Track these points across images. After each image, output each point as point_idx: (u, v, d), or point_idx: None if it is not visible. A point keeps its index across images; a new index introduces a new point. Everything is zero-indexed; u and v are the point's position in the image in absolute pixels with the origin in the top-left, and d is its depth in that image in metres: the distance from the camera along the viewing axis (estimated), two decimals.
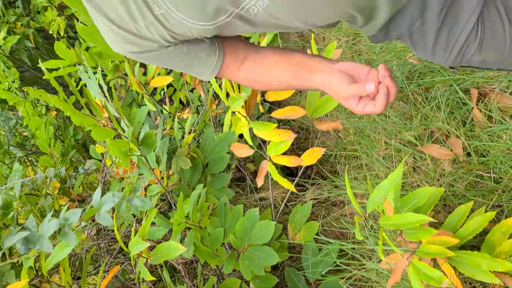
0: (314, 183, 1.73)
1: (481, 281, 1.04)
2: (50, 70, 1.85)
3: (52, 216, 0.88)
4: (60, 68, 1.82)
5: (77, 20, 2.06)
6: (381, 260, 1.18)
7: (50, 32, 2.98)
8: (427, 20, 0.77)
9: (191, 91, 2.78)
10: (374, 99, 0.75)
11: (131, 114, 2.50)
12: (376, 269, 1.20)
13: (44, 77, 2.03)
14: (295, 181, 1.45)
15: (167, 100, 2.55)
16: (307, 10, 0.73)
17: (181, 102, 2.81)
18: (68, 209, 0.92)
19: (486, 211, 1.06)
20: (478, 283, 1.09)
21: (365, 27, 0.83)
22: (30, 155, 3.76)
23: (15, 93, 2.94)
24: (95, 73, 2.00)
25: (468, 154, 1.20)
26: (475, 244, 1.08)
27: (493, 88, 1.16)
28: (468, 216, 1.06)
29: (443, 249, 0.95)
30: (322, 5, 0.73)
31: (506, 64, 0.82)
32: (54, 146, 2.72)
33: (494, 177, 1.12)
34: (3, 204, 1.72)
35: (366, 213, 0.98)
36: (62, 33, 3.00)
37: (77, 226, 1.08)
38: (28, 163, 3.69)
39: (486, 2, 0.77)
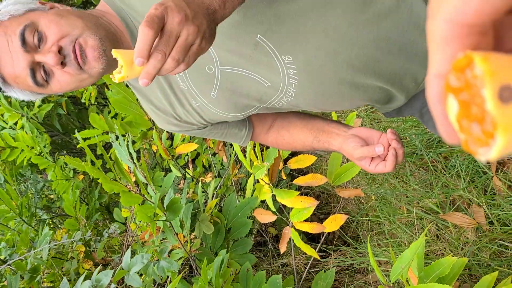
0: (337, 250, 1.72)
1: None
2: (84, 139, 1.96)
3: (84, 279, 0.92)
4: (93, 136, 1.93)
5: (107, 88, 2.20)
6: None
7: (82, 100, 3.15)
8: None
9: (213, 155, 2.86)
10: (385, 160, 0.81)
11: (155, 177, 2.59)
12: None
13: (78, 146, 2.14)
14: (317, 247, 1.46)
15: (190, 164, 2.63)
16: (326, 104, 0.82)
17: (203, 165, 2.89)
18: (99, 271, 0.95)
19: None
20: None
21: (380, 107, 0.91)
22: (55, 217, 3.84)
23: (46, 158, 3.07)
24: (124, 140, 2.11)
25: (491, 223, 1.21)
26: None
27: (510, 158, 1.19)
28: (493, 287, 1.05)
29: None
30: (339, 100, 0.82)
31: None
32: (80, 209, 2.80)
33: None
34: (31, 268, 1.76)
35: (390, 282, 0.99)
36: (93, 101, 3.18)
37: None
38: (52, 225, 3.76)
39: None
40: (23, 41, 0.69)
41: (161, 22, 0.51)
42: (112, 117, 2.54)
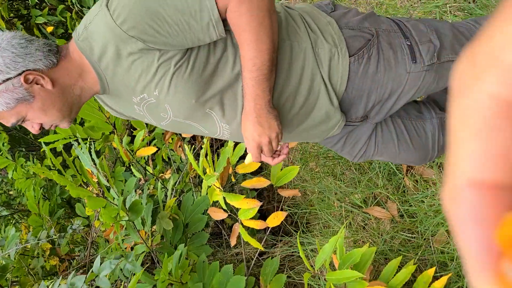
0: (282, 240, 1.96)
1: None
2: (47, 143, 2.08)
3: (60, 282, 1.08)
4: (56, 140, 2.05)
5: None
6: None
7: None
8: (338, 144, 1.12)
9: (172, 150, 3.02)
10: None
11: (116, 172, 2.72)
12: None
13: (41, 150, 2.24)
14: (264, 239, 1.68)
15: (150, 161, 2.78)
16: None
17: (163, 160, 3.05)
18: (75, 274, 1.12)
19: (415, 263, 1.31)
20: None
21: None
22: (15, 213, 3.88)
23: (6, 157, 3.13)
24: (86, 143, 2.24)
25: (402, 216, 1.47)
26: None
27: None
28: (399, 269, 1.31)
29: None
30: None
31: (398, 161, 1.17)
32: (43, 206, 2.89)
33: (422, 235, 1.38)
34: (0, 267, 1.89)
35: (315, 269, 1.22)
36: None
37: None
38: (13, 221, 3.81)
39: (382, 121, 1.11)
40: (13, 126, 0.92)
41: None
42: None
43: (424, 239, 1.35)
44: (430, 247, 1.32)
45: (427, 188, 1.39)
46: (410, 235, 1.41)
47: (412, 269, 1.24)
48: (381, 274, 1.30)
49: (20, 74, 0.89)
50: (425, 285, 1.24)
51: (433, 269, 1.20)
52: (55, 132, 2.11)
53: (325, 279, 1.21)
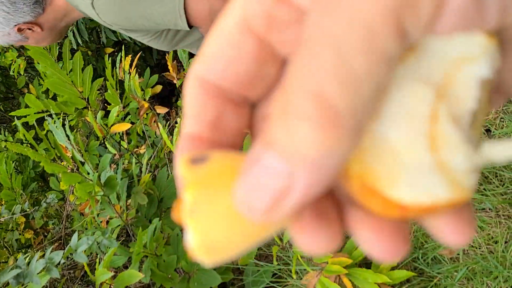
0: None
1: None
2: (19, 117, 2.06)
3: (39, 257, 1.12)
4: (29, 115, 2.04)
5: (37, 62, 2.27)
6: (301, 278, 1.49)
7: (11, 73, 3.14)
8: None
9: (147, 124, 3.03)
10: None
11: (90, 146, 2.73)
12: (297, 285, 1.51)
13: (13, 124, 2.23)
14: None
15: (125, 136, 2.79)
16: None
17: (138, 134, 3.06)
18: (52, 250, 1.16)
19: None
20: None
21: None
22: None
23: None
24: (59, 118, 2.23)
25: None
26: (369, 262, 1.42)
27: None
28: None
29: (340, 268, 1.28)
30: None
31: None
32: (15, 180, 2.88)
33: None
34: None
35: (283, 242, 1.29)
36: (22, 73, 3.17)
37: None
38: None
39: None
40: None
41: None
42: (43, 92, 2.60)
43: None
44: None
45: None
46: None
47: None
48: (345, 246, 1.39)
49: (12, 28, 1.04)
50: None
51: None
52: (26, 106, 2.09)
53: (293, 252, 1.29)
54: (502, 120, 1.19)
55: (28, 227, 2.47)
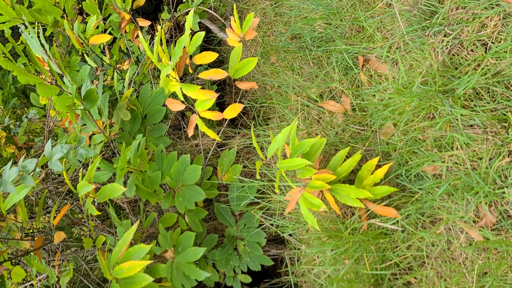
0: (240, 133, 2.01)
1: (351, 206, 1.39)
2: None
3: (11, 165, 1.08)
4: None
5: None
6: (285, 194, 1.50)
7: None
8: None
9: (130, 40, 2.90)
10: None
11: (71, 61, 2.62)
12: (281, 201, 1.53)
13: None
14: (221, 131, 1.72)
15: (107, 51, 2.67)
16: None
17: (121, 50, 2.93)
18: (25, 158, 1.12)
19: (361, 154, 1.39)
20: (350, 208, 1.44)
21: None
22: None
23: None
24: (34, 27, 2.10)
25: (354, 109, 1.51)
26: (353, 179, 1.42)
27: (372, 56, 1.45)
28: (347, 158, 1.39)
29: (323, 183, 1.28)
30: None
31: None
32: None
33: (370, 127, 1.44)
34: None
35: (267, 158, 1.28)
36: None
37: (33, 172, 1.28)
38: None
39: None
40: None
41: None
42: (17, 2, 2.42)
43: (372, 132, 1.42)
44: (377, 139, 1.39)
45: (380, 83, 1.43)
46: (360, 127, 1.47)
47: (358, 158, 1.31)
48: (329, 163, 1.38)
49: None
50: (368, 173, 1.33)
51: (377, 158, 1.28)
52: None
53: (276, 168, 1.27)
54: (500, 33, 1.13)
55: (10, 142, 2.43)
